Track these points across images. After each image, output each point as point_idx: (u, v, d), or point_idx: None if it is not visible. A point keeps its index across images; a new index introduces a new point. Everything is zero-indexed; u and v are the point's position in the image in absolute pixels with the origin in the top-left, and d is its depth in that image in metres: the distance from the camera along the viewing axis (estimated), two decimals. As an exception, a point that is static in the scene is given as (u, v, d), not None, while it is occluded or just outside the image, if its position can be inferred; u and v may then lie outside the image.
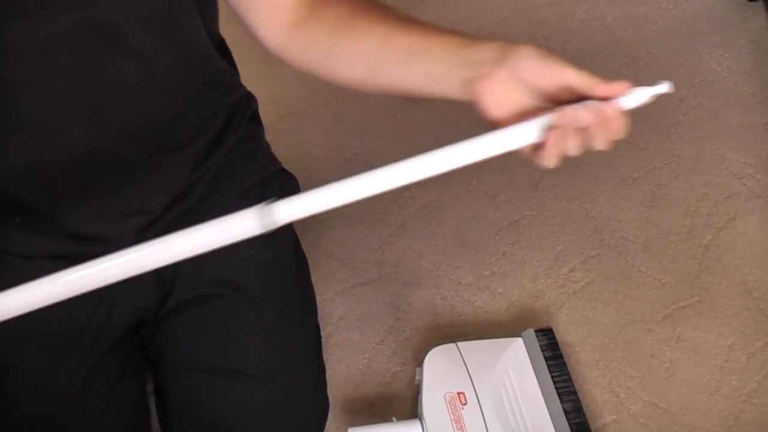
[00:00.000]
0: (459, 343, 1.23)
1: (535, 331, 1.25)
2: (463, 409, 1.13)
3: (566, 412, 1.15)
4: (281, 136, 1.68)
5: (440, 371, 1.19)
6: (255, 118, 1.09)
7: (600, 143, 0.73)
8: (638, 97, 0.74)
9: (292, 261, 1.11)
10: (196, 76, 0.91)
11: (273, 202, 0.71)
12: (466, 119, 1.83)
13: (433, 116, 1.69)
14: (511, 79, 0.74)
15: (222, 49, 0.99)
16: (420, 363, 1.22)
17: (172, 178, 0.96)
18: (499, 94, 0.76)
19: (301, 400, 1.05)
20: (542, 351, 1.23)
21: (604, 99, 0.73)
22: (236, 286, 1.03)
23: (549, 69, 0.75)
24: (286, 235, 1.13)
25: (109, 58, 0.81)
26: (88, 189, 0.89)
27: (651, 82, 0.75)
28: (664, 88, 0.74)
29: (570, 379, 1.21)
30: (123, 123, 0.86)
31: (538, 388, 1.18)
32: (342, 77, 0.84)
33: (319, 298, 1.21)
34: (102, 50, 0.80)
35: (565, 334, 1.34)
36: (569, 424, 1.14)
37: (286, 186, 1.13)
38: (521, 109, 0.75)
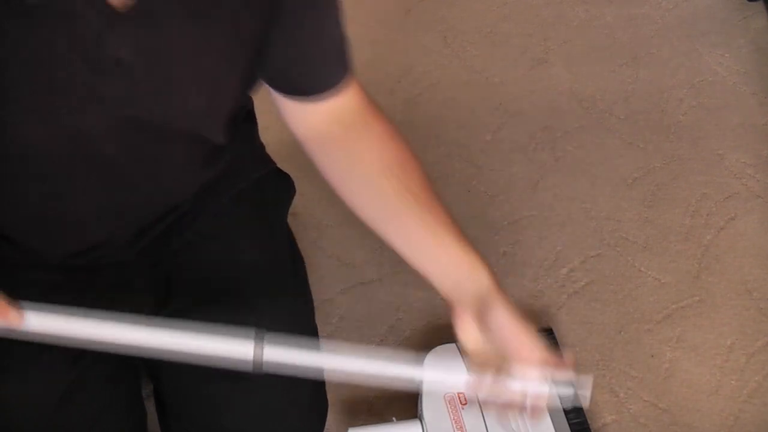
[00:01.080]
0: (459, 344, 1.23)
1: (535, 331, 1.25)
2: (462, 409, 1.13)
3: (566, 412, 1.15)
4: (278, 135, 1.68)
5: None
6: (251, 118, 1.09)
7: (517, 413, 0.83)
8: (557, 394, 0.80)
9: (288, 263, 1.11)
10: (223, 149, 0.95)
11: (266, 339, 0.81)
12: (467, 119, 1.84)
13: (433, 117, 1.69)
14: (477, 322, 0.83)
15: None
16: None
17: (173, 198, 0.98)
18: (466, 323, 0.85)
19: (301, 403, 1.04)
20: (542, 351, 1.22)
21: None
22: (232, 292, 1.03)
23: (512, 332, 0.82)
24: (282, 237, 1.12)
25: (144, 146, 0.84)
26: (97, 214, 0.92)
27: (578, 383, 0.80)
28: (584, 399, 0.81)
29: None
30: (139, 181, 0.90)
31: (538, 388, 1.18)
32: (350, 204, 0.95)
33: (319, 299, 1.20)
34: (148, 143, 0.83)
35: (565, 334, 1.34)
36: (569, 424, 1.14)
37: (281, 187, 1.13)
38: (477, 343, 0.85)
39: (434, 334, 1.35)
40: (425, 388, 1.16)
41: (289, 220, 1.17)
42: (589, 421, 1.16)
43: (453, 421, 1.12)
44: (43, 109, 0.74)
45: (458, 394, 1.15)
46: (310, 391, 1.07)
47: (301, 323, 1.10)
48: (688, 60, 1.81)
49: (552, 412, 1.15)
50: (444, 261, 0.86)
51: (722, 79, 1.77)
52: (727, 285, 1.41)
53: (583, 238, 1.49)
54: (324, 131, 0.93)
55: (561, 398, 0.80)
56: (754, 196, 1.54)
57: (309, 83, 0.90)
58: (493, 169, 1.59)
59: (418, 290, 1.41)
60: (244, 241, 1.06)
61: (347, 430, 1.11)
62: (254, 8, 0.80)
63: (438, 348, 1.23)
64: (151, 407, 1.12)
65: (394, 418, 1.15)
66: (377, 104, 0.95)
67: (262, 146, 1.13)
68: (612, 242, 1.48)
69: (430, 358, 1.21)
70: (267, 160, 1.13)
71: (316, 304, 1.19)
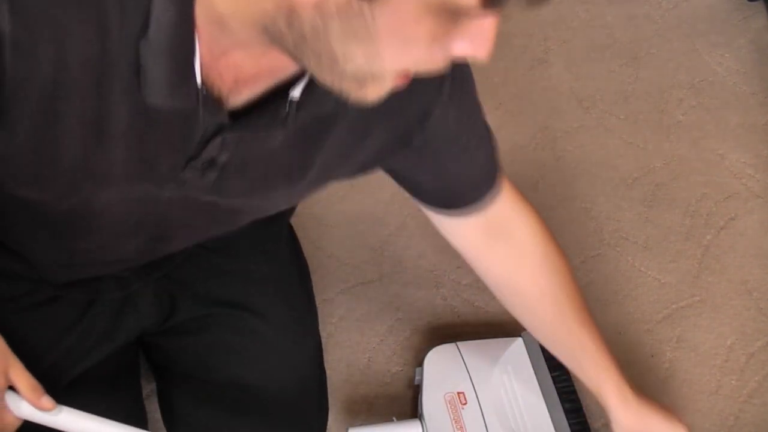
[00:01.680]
0: (459, 343, 1.23)
1: (535, 331, 1.25)
2: (463, 409, 1.13)
3: (566, 412, 1.15)
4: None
5: (440, 371, 1.19)
6: None
7: None
8: None
9: (294, 271, 1.11)
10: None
11: None
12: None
13: (433, 116, 1.69)
14: None
15: None
16: (420, 363, 1.22)
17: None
18: None
19: (304, 409, 1.05)
20: (542, 351, 1.22)
21: None
22: (238, 304, 1.03)
23: None
24: (287, 245, 1.12)
25: (209, 222, 0.83)
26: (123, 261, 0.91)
27: None
28: None
29: (570, 379, 1.20)
30: (185, 239, 0.89)
31: (539, 388, 1.18)
32: (509, 308, 1.01)
33: (319, 298, 1.21)
34: (201, 218, 0.82)
35: (565, 334, 1.34)
36: (569, 425, 1.14)
37: None
38: None
39: (434, 333, 1.35)
40: (425, 388, 1.17)
41: (290, 223, 1.17)
42: (589, 422, 1.16)
43: (453, 421, 1.12)
44: (126, 183, 0.72)
45: (458, 393, 1.15)
46: (314, 397, 1.07)
47: (305, 330, 1.10)
48: (688, 60, 1.81)
49: (552, 412, 1.15)
50: (592, 381, 1.02)
51: (722, 79, 1.77)
52: (727, 285, 1.41)
53: (583, 237, 1.48)
54: (478, 242, 0.93)
55: None
56: (755, 196, 1.54)
57: (452, 199, 0.89)
58: (493, 169, 1.59)
59: (418, 290, 1.41)
60: (249, 249, 1.05)
61: (347, 429, 1.11)
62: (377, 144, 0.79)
63: (438, 348, 1.23)
64: (151, 406, 1.12)
65: (394, 418, 1.15)
66: (521, 195, 0.96)
67: None
68: (612, 242, 1.48)
69: (431, 358, 1.21)
70: None
71: (316, 304, 1.19)
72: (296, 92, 0.67)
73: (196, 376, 1.01)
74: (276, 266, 1.07)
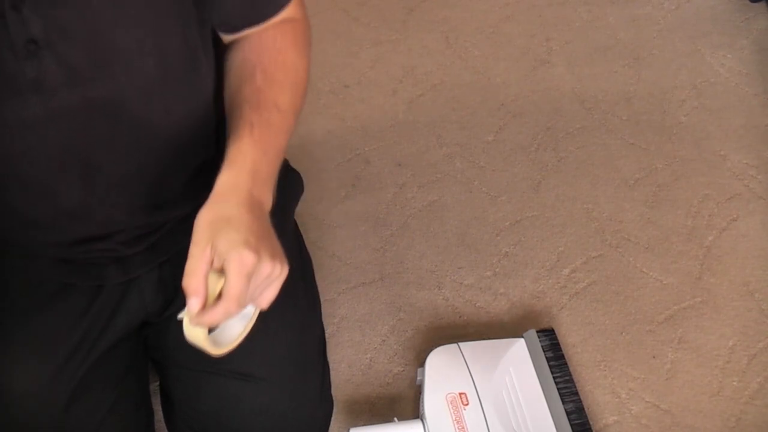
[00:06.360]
0: (461, 344, 1.23)
1: (537, 332, 1.25)
2: (464, 409, 1.13)
3: (568, 413, 1.15)
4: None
5: (442, 372, 1.19)
6: None
7: None
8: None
9: (298, 263, 1.11)
10: (195, 130, 0.92)
11: None
12: (469, 120, 1.84)
13: (435, 117, 1.69)
14: None
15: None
16: (422, 363, 1.22)
17: (165, 188, 0.96)
18: None
19: (307, 402, 1.04)
20: (544, 352, 1.23)
21: None
22: None
23: None
24: (291, 238, 1.12)
25: (106, 128, 0.82)
26: (85, 210, 0.91)
27: None
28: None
29: (572, 380, 1.21)
30: (116, 181, 0.88)
31: (540, 389, 1.18)
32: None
33: (321, 298, 1.20)
34: (99, 122, 0.81)
35: (567, 335, 1.34)
36: (571, 425, 1.14)
37: (291, 183, 1.13)
38: None
39: (436, 334, 1.35)
40: (427, 389, 1.17)
41: (295, 220, 1.17)
42: (590, 422, 1.16)
43: (454, 422, 1.12)
44: None
45: (460, 394, 1.15)
46: (317, 389, 1.07)
47: (308, 325, 1.10)
48: (690, 61, 1.81)
49: (554, 413, 1.15)
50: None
51: (724, 80, 1.77)
52: (729, 286, 1.41)
53: (585, 238, 1.49)
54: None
55: None
56: (756, 197, 1.54)
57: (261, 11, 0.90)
58: (495, 170, 1.59)
59: (420, 290, 1.41)
60: None
61: (349, 430, 1.11)
62: None
63: (439, 348, 1.23)
64: (156, 405, 1.12)
65: (395, 418, 1.15)
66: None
67: None
68: (614, 243, 1.48)
69: (432, 358, 1.21)
70: None
71: (320, 297, 1.19)
72: None
73: (197, 369, 1.01)
74: None
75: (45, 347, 0.94)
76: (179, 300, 1.01)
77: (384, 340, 1.35)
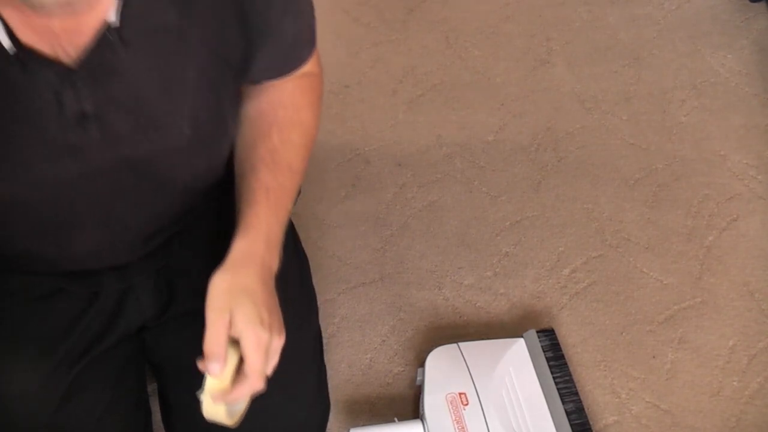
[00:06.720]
0: (461, 344, 1.23)
1: (537, 332, 1.25)
2: (464, 409, 1.13)
3: (568, 413, 1.15)
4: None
5: (442, 372, 1.19)
6: None
7: None
8: None
9: (294, 263, 1.11)
10: (213, 179, 0.95)
11: None
12: (469, 120, 1.84)
13: (436, 117, 1.69)
14: None
15: None
16: (422, 363, 1.22)
17: (173, 217, 0.98)
18: None
19: (304, 403, 1.04)
20: (544, 352, 1.23)
21: None
22: None
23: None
24: (287, 236, 1.12)
25: (132, 183, 0.85)
26: (96, 251, 0.93)
27: None
28: None
29: (571, 380, 1.21)
30: (130, 226, 0.91)
31: (540, 389, 1.18)
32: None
33: (320, 298, 1.21)
34: (126, 178, 0.83)
35: (567, 335, 1.34)
36: (571, 425, 1.14)
37: None
38: None
39: (436, 334, 1.35)
40: (427, 389, 1.17)
41: (291, 219, 1.17)
42: (590, 422, 1.16)
43: (454, 422, 1.12)
44: (16, 162, 0.76)
45: (460, 394, 1.15)
46: (313, 389, 1.07)
47: (305, 326, 1.10)
48: (690, 61, 1.81)
49: (554, 413, 1.15)
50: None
51: (724, 80, 1.77)
52: (729, 286, 1.41)
53: (585, 238, 1.49)
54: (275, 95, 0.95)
55: None
56: (757, 197, 1.54)
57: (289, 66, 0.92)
58: (495, 170, 1.59)
59: (420, 290, 1.41)
60: None
61: (349, 430, 1.11)
62: (226, 26, 0.80)
63: (439, 348, 1.23)
64: (154, 407, 1.12)
65: (395, 419, 1.15)
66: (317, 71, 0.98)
67: None
68: (614, 243, 1.48)
69: (432, 358, 1.21)
70: None
71: (317, 304, 1.19)
72: (111, 16, 0.72)
73: (194, 372, 1.02)
74: None
75: (41, 348, 0.94)
76: (176, 303, 1.01)
77: (384, 340, 1.35)
